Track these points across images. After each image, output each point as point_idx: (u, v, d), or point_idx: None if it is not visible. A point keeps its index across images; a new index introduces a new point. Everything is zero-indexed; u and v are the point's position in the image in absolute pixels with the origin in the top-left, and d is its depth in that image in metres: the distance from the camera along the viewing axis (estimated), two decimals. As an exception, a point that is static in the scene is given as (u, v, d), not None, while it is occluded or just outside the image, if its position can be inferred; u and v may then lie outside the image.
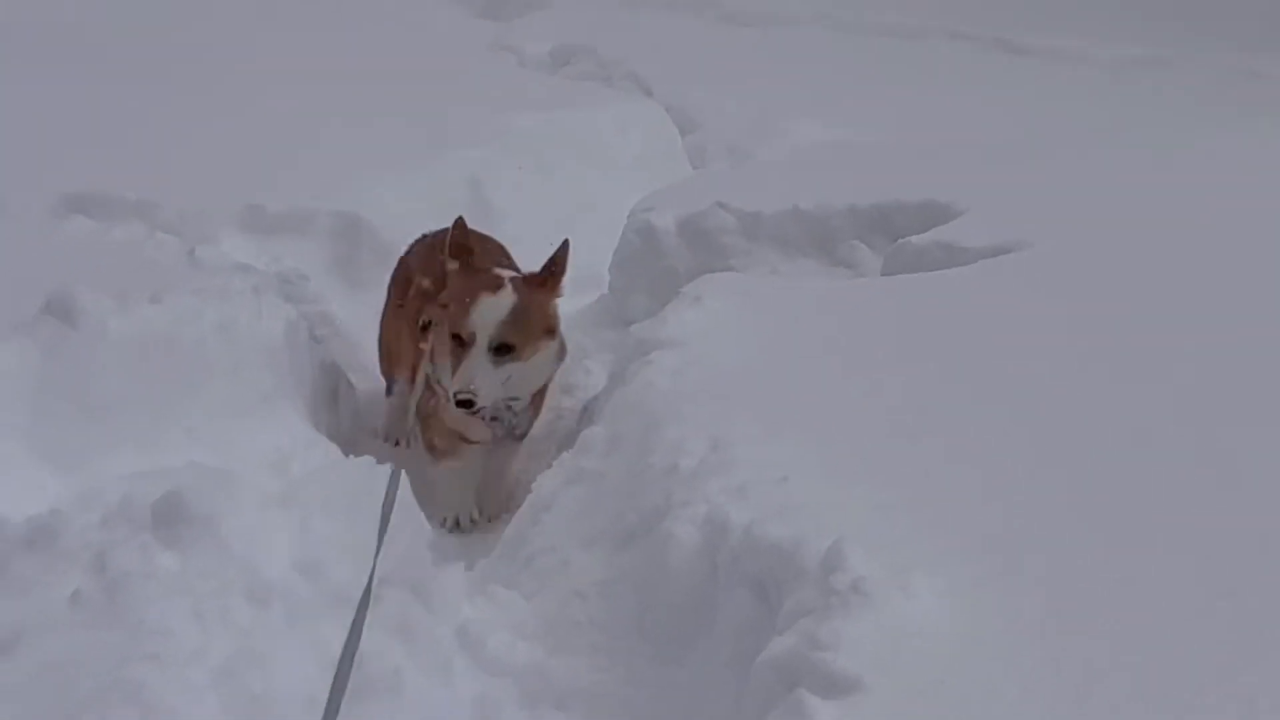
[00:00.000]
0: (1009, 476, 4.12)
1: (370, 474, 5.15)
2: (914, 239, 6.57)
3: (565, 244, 5.97)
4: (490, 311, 5.77)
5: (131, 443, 5.42)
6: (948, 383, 4.81)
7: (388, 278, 7.07)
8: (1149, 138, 8.91)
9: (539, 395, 6.32)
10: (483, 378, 5.74)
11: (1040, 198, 6.91)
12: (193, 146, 9.01)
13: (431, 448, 6.37)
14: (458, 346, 5.80)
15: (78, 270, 6.17)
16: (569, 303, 6.38)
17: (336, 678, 3.60)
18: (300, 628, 4.12)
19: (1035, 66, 14.11)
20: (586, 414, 6.11)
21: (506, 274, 6.02)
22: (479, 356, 5.74)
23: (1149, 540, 3.74)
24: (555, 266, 5.96)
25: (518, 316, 5.82)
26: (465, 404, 5.74)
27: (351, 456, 5.73)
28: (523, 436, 6.43)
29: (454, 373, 5.79)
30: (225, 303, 6.05)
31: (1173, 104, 11.91)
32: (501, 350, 5.79)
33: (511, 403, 6.10)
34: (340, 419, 6.67)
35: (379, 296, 6.98)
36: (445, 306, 5.94)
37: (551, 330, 6.03)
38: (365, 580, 4.51)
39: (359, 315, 7.46)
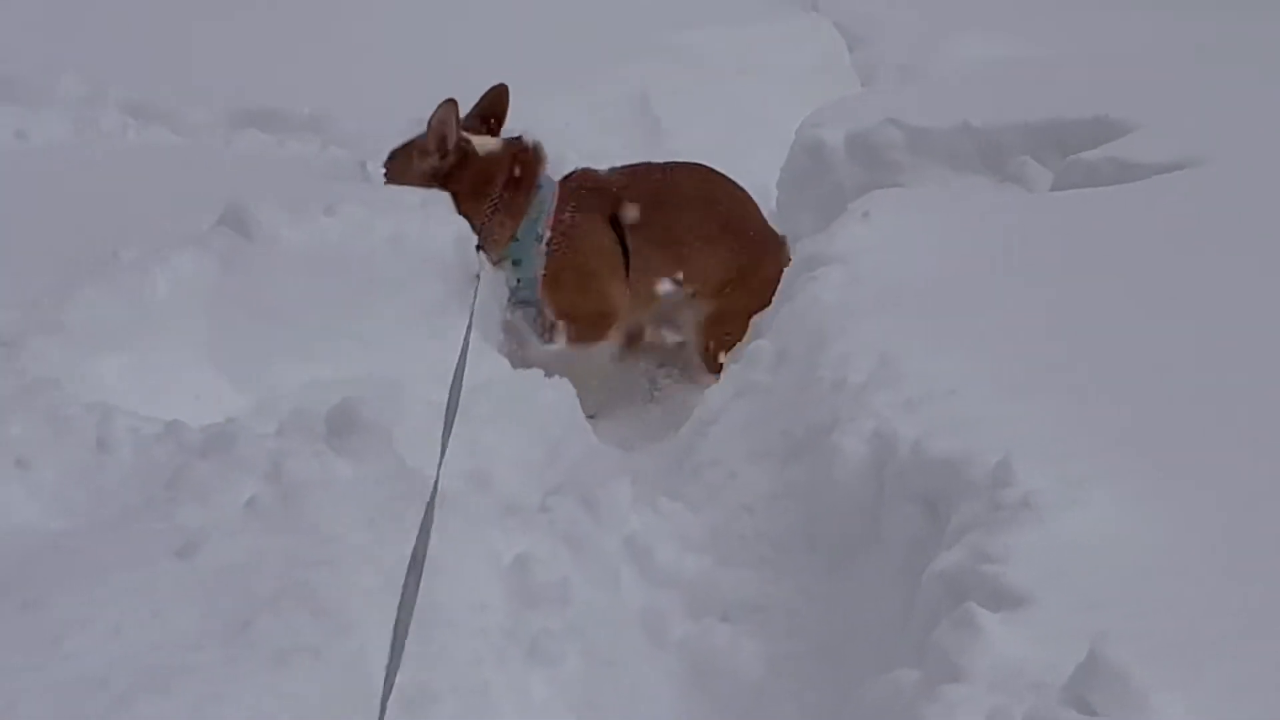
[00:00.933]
0: (1181, 390, 4.08)
1: (537, 386, 5.20)
2: (1085, 155, 6.50)
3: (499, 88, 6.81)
4: None
5: (305, 353, 5.51)
6: (1118, 298, 4.76)
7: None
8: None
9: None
10: None
11: (1216, 113, 6.80)
12: (364, 60, 9.07)
13: None
14: None
15: (252, 183, 6.26)
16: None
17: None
18: (470, 536, 4.16)
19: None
20: (754, 328, 6.12)
21: None
22: None
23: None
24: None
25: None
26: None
27: (520, 369, 5.79)
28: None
29: None
30: (395, 215, 6.10)
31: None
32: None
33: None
34: (509, 332, 6.71)
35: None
36: None
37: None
38: (535, 492, 4.57)
39: (525, 229, 7.49)
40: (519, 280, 6.29)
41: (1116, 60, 8.49)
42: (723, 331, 6.51)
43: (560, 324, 6.33)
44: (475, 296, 5.58)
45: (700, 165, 6.69)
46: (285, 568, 3.72)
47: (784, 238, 6.80)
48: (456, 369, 4.55)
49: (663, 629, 4.19)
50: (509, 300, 6.45)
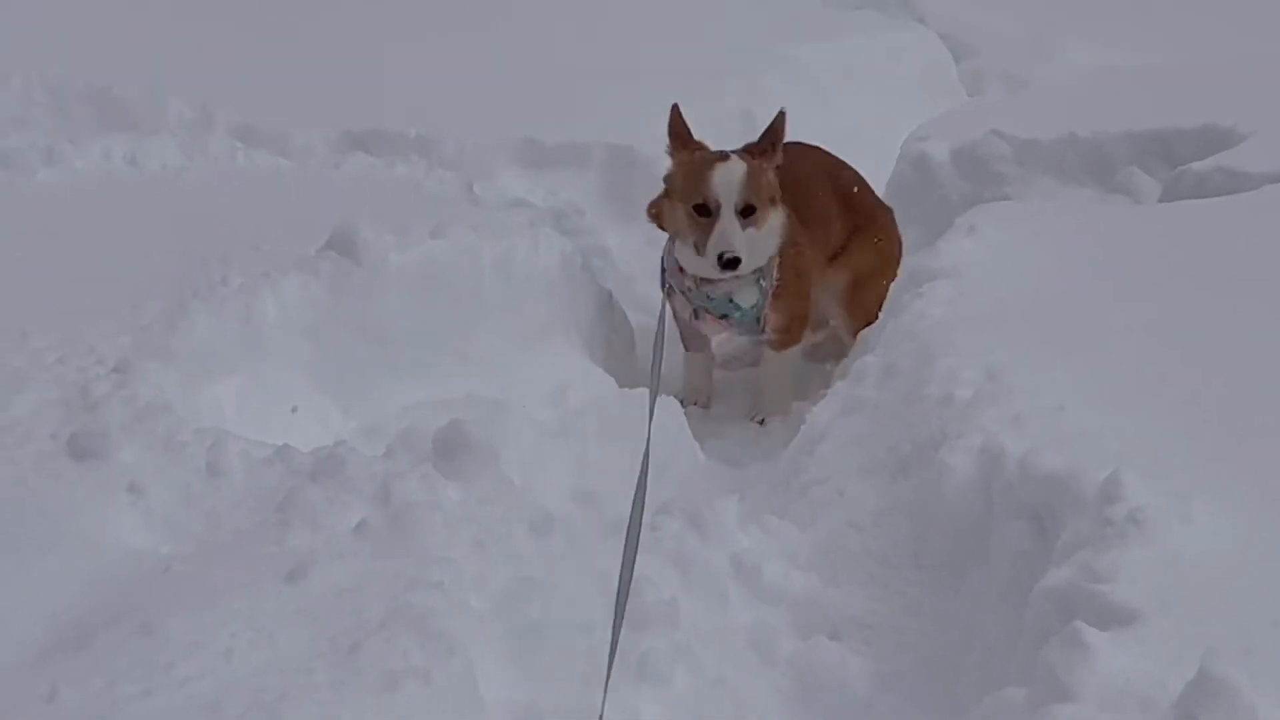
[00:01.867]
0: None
1: (645, 405, 5.20)
2: (1194, 165, 6.45)
3: (781, 114, 6.17)
4: (730, 176, 5.96)
5: (412, 374, 5.56)
6: (1228, 311, 4.72)
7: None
8: None
9: (772, 288, 6.33)
10: (738, 237, 5.93)
11: (1328, 121, 6.73)
12: (470, 82, 9.11)
13: (683, 341, 6.68)
14: (702, 216, 5.97)
15: (360, 205, 6.31)
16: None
17: (616, 611, 3.64)
18: (578, 557, 4.18)
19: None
20: (861, 343, 6.12)
21: (724, 150, 6.19)
22: (730, 218, 5.92)
23: None
24: (773, 135, 6.14)
25: (752, 181, 5.99)
26: (732, 263, 5.91)
27: (626, 388, 5.80)
28: (767, 335, 6.49)
29: (706, 240, 5.97)
30: (503, 237, 6.14)
31: None
32: (746, 212, 5.98)
33: (735, 296, 6.24)
34: (615, 351, 6.73)
35: (652, 229, 6.98)
36: (669, 193, 6.21)
37: (775, 199, 6.14)
38: (638, 511, 4.57)
39: (633, 247, 7.51)
40: (757, 300, 6.29)
41: (1225, 68, 8.39)
42: (861, 296, 6.62)
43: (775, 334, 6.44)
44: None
45: (801, 143, 6.70)
46: (394, 591, 3.74)
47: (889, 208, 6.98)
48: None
49: (771, 647, 4.18)
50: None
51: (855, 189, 6.77)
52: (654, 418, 5.13)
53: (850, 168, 6.84)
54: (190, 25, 10.33)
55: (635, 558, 3.80)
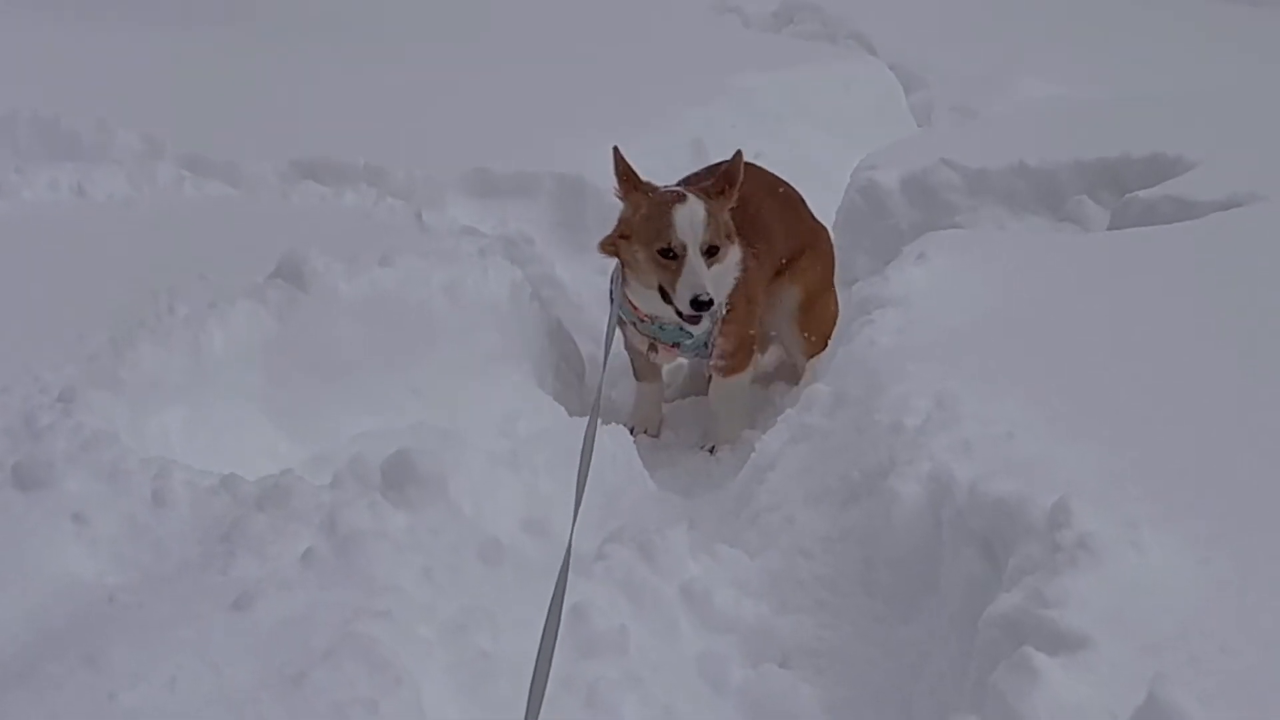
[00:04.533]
0: (1240, 430, 4.05)
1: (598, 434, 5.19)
2: (1142, 193, 6.47)
3: (738, 154, 6.11)
4: (693, 218, 5.90)
5: (361, 403, 5.54)
6: (1176, 338, 4.73)
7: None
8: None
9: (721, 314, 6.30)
10: (707, 278, 5.86)
11: (1274, 150, 6.75)
12: (420, 112, 9.10)
13: (634, 370, 6.68)
14: (667, 259, 5.92)
15: (309, 234, 6.27)
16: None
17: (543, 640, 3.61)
18: (527, 586, 4.15)
19: (1272, 17, 13.76)
20: (812, 371, 6.12)
21: (679, 189, 6.13)
22: (697, 260, 5.87)
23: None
24: (729, 178, 6.07)
25: (713, 221, 5.94)
26: (706, 304, 5.83)
27: (576, 417, 5.78)
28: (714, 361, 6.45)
29: (674, 282, 5.89)
30: (452, 265, 6.13)
31: None
32: (710, 252, 5.92)
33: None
34: (565, 379, 6.71)
35: (602, 259, 6.97)
36: (626, 234, 6.10)
37: (731, 236, 6.08)
38: (593, 540, 4.56)
39: (583, 276, 7.49)
40: (708, 326, 6.22)
41: (1172, 99, 8.44)
42: (813, 315, 6.67)
43: (723, 360, 6.39)
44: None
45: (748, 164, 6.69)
46: (341, 620, 3.72)
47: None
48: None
49: (721, 675, 4.16)
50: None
51: (795, 205, 6.75)
52: (605, 447, 5.13)
53: (787, 184, 6.81)
54: (138, 56, 10.31)
55: (565, 583, 3.77)
